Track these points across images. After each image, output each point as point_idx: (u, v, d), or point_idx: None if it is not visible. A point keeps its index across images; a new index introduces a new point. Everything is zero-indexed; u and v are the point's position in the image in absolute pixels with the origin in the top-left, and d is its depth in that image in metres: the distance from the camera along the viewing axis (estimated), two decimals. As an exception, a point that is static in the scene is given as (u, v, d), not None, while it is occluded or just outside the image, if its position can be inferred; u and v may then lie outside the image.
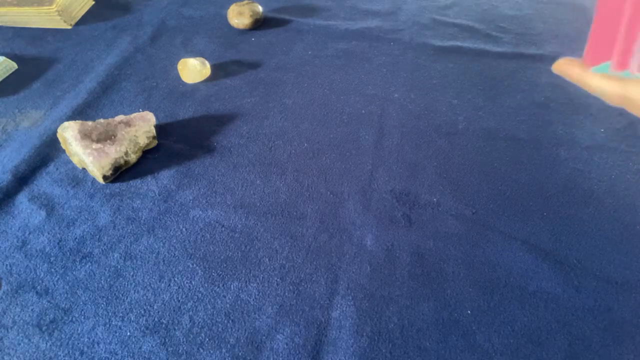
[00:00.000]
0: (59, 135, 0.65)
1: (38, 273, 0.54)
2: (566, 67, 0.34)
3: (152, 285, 0.52)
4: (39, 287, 0.52)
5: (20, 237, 0.57)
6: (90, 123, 0.65)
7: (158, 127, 0.70)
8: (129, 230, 0.58)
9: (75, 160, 0.64)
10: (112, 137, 0.64)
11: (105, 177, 0.62)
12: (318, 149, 0.67)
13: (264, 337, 0.48)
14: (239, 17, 0.90)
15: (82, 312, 0.50)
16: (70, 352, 0.47)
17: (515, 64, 0.81)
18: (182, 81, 0.80)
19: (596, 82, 0.31)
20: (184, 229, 0.58)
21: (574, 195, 0.60)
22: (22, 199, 0.61)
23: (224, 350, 0.47)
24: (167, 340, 0.48)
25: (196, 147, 0.68)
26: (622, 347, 0.46)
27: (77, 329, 0.49)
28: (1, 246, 0.56)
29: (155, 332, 0.48)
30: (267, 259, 0.54)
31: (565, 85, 0.77)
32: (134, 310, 0.50)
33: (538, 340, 0.47)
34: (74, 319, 0.49)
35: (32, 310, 0.50)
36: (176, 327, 0.49)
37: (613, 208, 0.58)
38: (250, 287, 0.52)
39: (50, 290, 0.52)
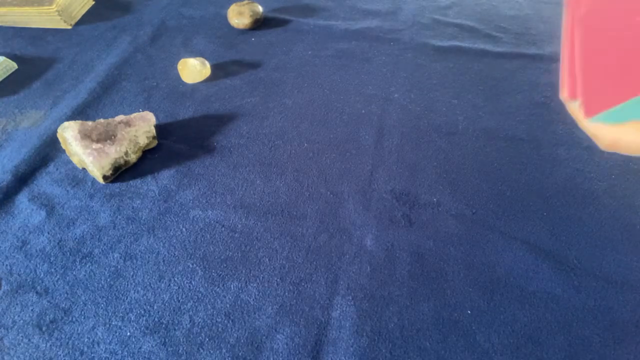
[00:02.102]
0: (59, 135, 0.65)
1: (38, 273, 0.54)
2: (569, 107, 0.34)
3: (152, 285, 0.52)
4: (39, 287, 0.52)
5: (20, 237, 0.57)
6: (90, 123, 0.65)
7: (158, 127, 0.70)
8: (129, 230, 0.58)
9: (75, 160, 0.64)
10: (112, 137, 0.64)
11: (105, 177, 0.62)
12: (318, 149, 0.67)
13: (264, 337, 0.48)
14: (239, 17, 0.90)
15: (82, 312, 0.50)
16: (70, 352, 0.47)
17: (515, 64, 0.81)
18: (182, 81, 0.80)
19: (589, 128, 0.31)
20: (184, 229, 0.58)
21: (574, 195, 0.60)
22: (22, 199, 0.61)
23: (224, 350, 0.47)
24: (167, 340, 0.48)
25: (196, 147, 0.68)
26: (622, 347, 0.46)
27: (77, 329, 0.49)
28: (1, 246, 0.56)
29: (155, 332, 0.48)
30: (267, 259, 0.54)
31: (565, 85, 0.76)
32: (134, 310, 0.50)
33: (538, 340, 0.47)
34: (74, 319, 0.49)
35: (32, 310, 0.50)
36: (176, 327, 0.49)
37: (613, 208, 0.58)
38: (250, 287, 0.52)
39: (50, 290, 0.52)
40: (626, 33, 0.27)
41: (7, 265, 0.54)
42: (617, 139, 0.29)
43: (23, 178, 0.64)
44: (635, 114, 0.28)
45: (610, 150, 0.30)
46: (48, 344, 0.47)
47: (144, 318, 0.49)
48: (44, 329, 0.49)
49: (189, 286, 0.52)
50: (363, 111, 0.74)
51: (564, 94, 0.34)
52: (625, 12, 0.27)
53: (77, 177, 0.64)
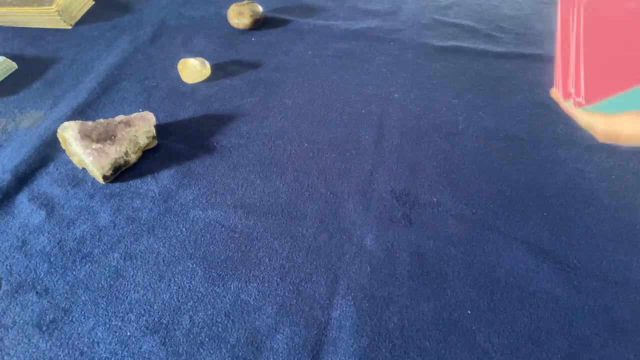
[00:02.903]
0: (59, 135, 0.65)
1: (38, 273, 0.54)
2: (559, 99, 0.34)
3: (152, 285, 0.52)
4: (39, 287, 0.52)
5: (20, 237, 0.57)
6: (90, 123, 0.65)
7: (158, 127, 0.70)
8: (129, 230, 0.58)
9: (75, 160, 0.64)
10: (112, 137, 0.64)
11: (105, 177, 0.62)
12: (318, 149, 0.67)
13: (264, 337, 0.48)
14: (239, 17, 0.90)
15: (82, 312, 0.50)
16: (70, 352, 0.47)
17: (515, 64, 0.81)
18: (182, 81, 0.80)
19: (584, 118, 0.32)
20: (184, 229, 0.58)
21: (574, 195, 0.60)
22: (22, 199, 0.61)
23: (224, 350, 0.47)
24: (167, 340, 0.48)
25: (196, 147, 0.68)
26: (622, 347, 0.46)
27: (77, 329, 0.49)
28: (1, 246, 0.56)
29: (155, 332, 0.48)
30: (267, 259, 0.54)
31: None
32: (134, 310, 0.50)
33: (538, 340, 0.47)
34: (74, 319, 0.49)
35: (32, 310, 0.50)
36: (176, 327, 0.49)
37: (613, 208, 0.58)
38: (250, 287, 0.52)
39: (50, 290, 0.52)
40: (628, 23, 0.27)
41: (7, 265, 0.54)
42: (613, 129, 0.29)
43: (23, 178, 0.64)
44: (633, 104, 0.28)
45: (606, 140, 0.30)
46: (48, 344, 0.47)
47: (144, 318, 0.49)
48: (44, 329, 0.49)
49: (189, 286, 0.52)
50: (363, 111, 0.74)
51: (557, 92, 0.34)
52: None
53: (77, 177, 0.64)
